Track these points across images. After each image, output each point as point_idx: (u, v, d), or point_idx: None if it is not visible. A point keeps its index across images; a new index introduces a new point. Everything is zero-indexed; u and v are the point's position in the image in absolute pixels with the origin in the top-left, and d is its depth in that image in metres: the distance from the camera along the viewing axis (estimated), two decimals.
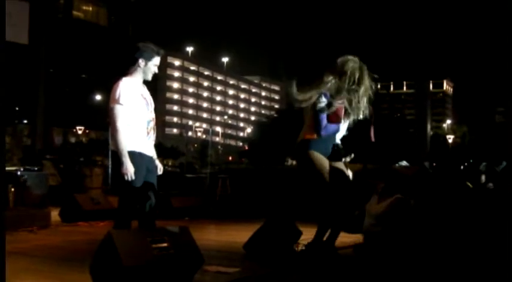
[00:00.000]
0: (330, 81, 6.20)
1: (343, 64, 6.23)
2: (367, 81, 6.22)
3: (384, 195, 6.08)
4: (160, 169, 5.66)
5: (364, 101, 6.24)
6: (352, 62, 6.23)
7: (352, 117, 6.28)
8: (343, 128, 6.34)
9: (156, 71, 5.52)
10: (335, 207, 6.08)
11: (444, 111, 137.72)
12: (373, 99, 6.28)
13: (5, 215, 3.69)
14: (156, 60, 5.48)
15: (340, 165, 6.26)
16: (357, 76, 6.16)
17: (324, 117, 6.10)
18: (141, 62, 5.41)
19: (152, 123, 5.50)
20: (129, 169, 5.16)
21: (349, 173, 6.37)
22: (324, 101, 6.12)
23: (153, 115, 5.53)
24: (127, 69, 5.47)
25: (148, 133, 5.44)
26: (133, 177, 5.18)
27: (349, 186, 6.22)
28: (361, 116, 6.25)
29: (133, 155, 5.28)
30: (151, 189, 5.50)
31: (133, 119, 5.31)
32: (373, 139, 6.38)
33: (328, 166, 6.13)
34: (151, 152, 5.53)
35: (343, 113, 6.18)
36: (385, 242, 5.66)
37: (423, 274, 4.92)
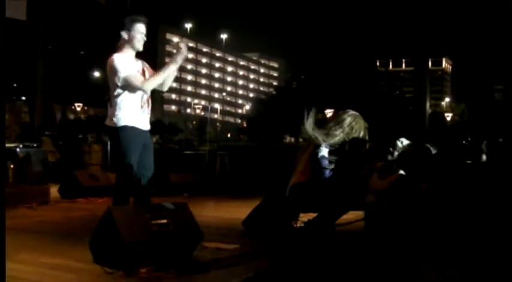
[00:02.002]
0: (338, 134, 6.27)
1: (351, 122, 6.34)
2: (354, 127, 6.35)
3: (385, 172, 6.09)
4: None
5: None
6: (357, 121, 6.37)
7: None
8: None
9: (144, 38, 5.47)
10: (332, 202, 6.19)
11: (443, 89, 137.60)
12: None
13: (5, 191, 3.68)
14: (138, 27, 5.42)
15: None
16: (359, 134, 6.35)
17: (325, 160, 6.16)
18: (124, 34, 5.38)
19: (146, 97, 5.50)
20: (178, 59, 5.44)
21: None
22: (324, 150, 6.20)
23: None
24: (115, 47, 5.44)
25: (142, 107, 5.44)
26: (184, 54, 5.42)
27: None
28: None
29: (127, 129, 5.30)
30: (147, 165, 5.51)
31: (127, 91, 5.32)
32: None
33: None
34: (146, 126, 5.53)
35: None
36: (388, 218, 5.68)
37: (424, 249, 4.94)
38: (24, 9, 12.62)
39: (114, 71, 5.30)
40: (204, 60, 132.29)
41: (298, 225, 6.61)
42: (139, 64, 5.54)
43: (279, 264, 4.96)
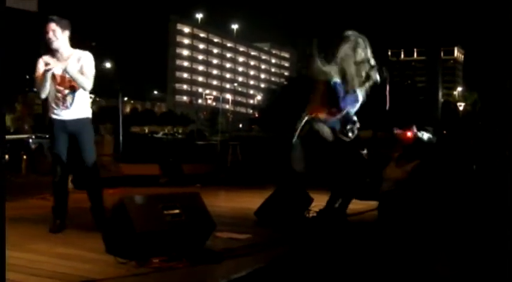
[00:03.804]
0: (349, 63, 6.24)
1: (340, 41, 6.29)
2: (357, 54, 6.25)
3: (402, 161, 6.08)
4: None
5: (357, 73, 6.25)
6: (347, 38, 6.29)
7: (359, 93, 6.26)
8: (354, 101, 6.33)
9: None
10: (345, 177, 6.10)
11: (455, 79, 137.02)
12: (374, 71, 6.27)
13: (5, 190, 3.73)
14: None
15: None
16: (343, 50, 6.24)
17: (340, 89, 6.10)
18: None
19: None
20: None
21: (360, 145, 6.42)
22: (339, 82, 6.15)
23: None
24: None
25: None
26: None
27: (358, 158, 6.24)
28: (361, 91, 6.23)
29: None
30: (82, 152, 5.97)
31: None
32: (387, 106, 6.38)
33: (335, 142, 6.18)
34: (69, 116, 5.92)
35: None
36: (404, 205, 5.67)
37: (438, 237, 4.93)
38: (35, 0, 12.63)
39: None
40: (215, 50, 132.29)
41: (310, 215, 6.61)
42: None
43: (291, 254, 4.96)
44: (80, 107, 5.90)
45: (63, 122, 5.87)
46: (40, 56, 5.92)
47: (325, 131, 6.15)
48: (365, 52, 6.31)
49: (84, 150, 5.96)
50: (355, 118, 6.28)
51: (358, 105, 6.34)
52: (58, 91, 5.85)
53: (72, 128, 5.89)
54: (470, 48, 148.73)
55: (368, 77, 6.26)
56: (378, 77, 6.29)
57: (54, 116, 5.89)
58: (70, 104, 5.86)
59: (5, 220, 3.41)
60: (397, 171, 6.09)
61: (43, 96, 5.91)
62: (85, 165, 5.98)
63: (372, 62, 6.33)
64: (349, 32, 6.38)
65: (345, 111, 6.17)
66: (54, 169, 6.12)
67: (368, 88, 6.34)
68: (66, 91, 5.85)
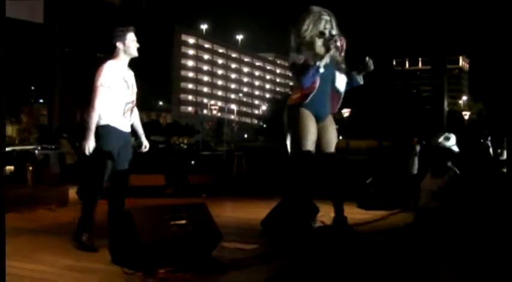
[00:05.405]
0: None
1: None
2: (311, 24, 6.54)
3: (437, 172, 6.08)
4: (146, 146, 5.94)
5: (317, 44, 6.51)
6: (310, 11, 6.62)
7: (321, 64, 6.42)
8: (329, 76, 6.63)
9: (137, 45, 5.79)
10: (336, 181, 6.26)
11: (460, 88, 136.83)
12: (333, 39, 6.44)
13: (5, 191, 3.73)
14: (130, 36, 5.76)
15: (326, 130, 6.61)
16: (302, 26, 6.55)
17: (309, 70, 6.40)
18: (119, 44, 5.72)
19: (130, 105, 5.75)
20: (90, 144, 5.48)
21: (333, 129, 6.74)
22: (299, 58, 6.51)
23: (133, 98, 5.77)
24: (111, 55, 5.78)
25: (124, 113, 5.68)
26: (90, 152, 5.50)
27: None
28: (321, 62, 6.40)
29: (105, 127, 5.56)
30: (120, 166, 5.60)
31: (112, 99, 5.57)
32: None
33: (311, 134, 6.47)
34: (126, 128, 5.74)
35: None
36: (442, 217, 5.65)
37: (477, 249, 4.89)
38: (41, 12, 12.67)
39: (95, 78, 5.57)
40: (220, 61, 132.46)
41: (316, 225, 6.59)
42: (127, 73, 5.77)
43: (298, 265, 4.93)
44: None
45: (124, 134, 5.71)
46: (104, 60, 5.77)
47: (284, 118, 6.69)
48: (330, 24, 6.58)
49: (127, 162, 5.75)
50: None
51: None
52: (132, 101, 5.76)
53: (127, 139, 5.80)
54: (475, 57, 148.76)
55: (328, 47, 6.38)
56: (338, 44, 6.45)
57: (118, 127, 5.63)
58: (130, 115, 5.79)
59: (4, 223, 3.39)
60: (433, 183, 6.08)
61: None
62: (122, 176, 5.75)
63: (334, 32, 6.48)
64: (314, 7, 6.62)
65: (314, 89, 6.45)
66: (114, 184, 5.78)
67: (330, 59, 6.52)
68: (134, 102, 5.80)
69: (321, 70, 6.39)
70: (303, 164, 6.48)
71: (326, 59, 6.41)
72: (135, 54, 5.78)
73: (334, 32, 6.52)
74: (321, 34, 6.51)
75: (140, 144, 5.94)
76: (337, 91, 6.73)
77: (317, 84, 6.45)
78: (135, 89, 5.79)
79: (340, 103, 6.83)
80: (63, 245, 5.62)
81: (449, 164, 6.06)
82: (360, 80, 6.82)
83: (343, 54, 6.64)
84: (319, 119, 6.59)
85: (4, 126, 3.75)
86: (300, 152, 6.47)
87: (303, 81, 6.41)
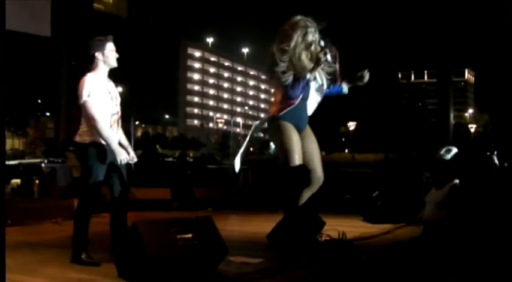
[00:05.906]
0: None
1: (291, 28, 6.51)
2: (299, 38, 6.42)
3: (439, 184, 6.09)
4: (133, 157, 5.66)
5: (304, 58, 6.45)
6: (296, 24, 6.48)
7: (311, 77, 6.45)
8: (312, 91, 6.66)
9: (116, 55, 5.65)
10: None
11: (466, 101, 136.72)
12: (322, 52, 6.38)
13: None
14: (109, 46, 5.61)
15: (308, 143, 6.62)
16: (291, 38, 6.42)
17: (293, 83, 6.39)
18: (98, 54, 5.57)
19: (116, 117, 5.60)
20: (123, 154, 5.37)
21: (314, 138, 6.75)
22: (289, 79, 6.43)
23: (117, 109, 5.63)
24: (89, 66, 5.60)
25: (111, 125, 5.51)
26: (133, 159, 5.48)
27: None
28: (311, 75, 6.44)
29: (95, 145, 5.40)
30: (117, 180, 5.54)
31: (98, 112, 5.40)
32: (339, 77, 6.56)
33: (296, 146, 6.46)
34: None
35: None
36: (448, 228, 5.64)
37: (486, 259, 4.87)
38: (48, 26, 12.75)
39: (79, 93, 5.41)
40: (225, 74, 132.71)
41: (323, 239, 6.58)
42: (109, 84, 5.65)
43: (305, 279, 4.92)
44: None
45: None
46: (84, 73, 5.56)
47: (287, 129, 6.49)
48: (317, 34, 6.48)
49: (124, 174, 5.64)
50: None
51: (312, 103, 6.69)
52: (117, 112, 5.62)
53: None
54: (481, 70, 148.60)
55: (318, 60, 6.35)
56: (328, 57, 6.37)
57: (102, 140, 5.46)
58: (117, 127, 5.64)
59: (4, 224, 3.41)
60: (437, 194, 6.08)
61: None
62: (121, 189, 5.61)
63: (322, 43, 6.44)
64: (298, 17, 6.51)
65: (298, 100, 6.46)
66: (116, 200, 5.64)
67: (323, 72, 6.53)
68: (119, 113, 5.67)
69: (311, 83, 6.47)
70: (294, 179, 6.49)
71: (315, 73, 6.44)
72: (115, 64, 5.63)
73: (322, 43, 6.46)
74: (309, 45, 6.48)
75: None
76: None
77: (300, 97, 6.50)
78: (118, 100, 5.64)
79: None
80: (69, 258, 5.63)
81: (450, 175, 6.08)
82: (345, 89, 6.84)
83: (337, 65, 6.63)
84: (299, 131, 6.61)
85: (4, 142, 3.72)
86: (288, 168, 6.49)
87: (290, 94, 6.41)
